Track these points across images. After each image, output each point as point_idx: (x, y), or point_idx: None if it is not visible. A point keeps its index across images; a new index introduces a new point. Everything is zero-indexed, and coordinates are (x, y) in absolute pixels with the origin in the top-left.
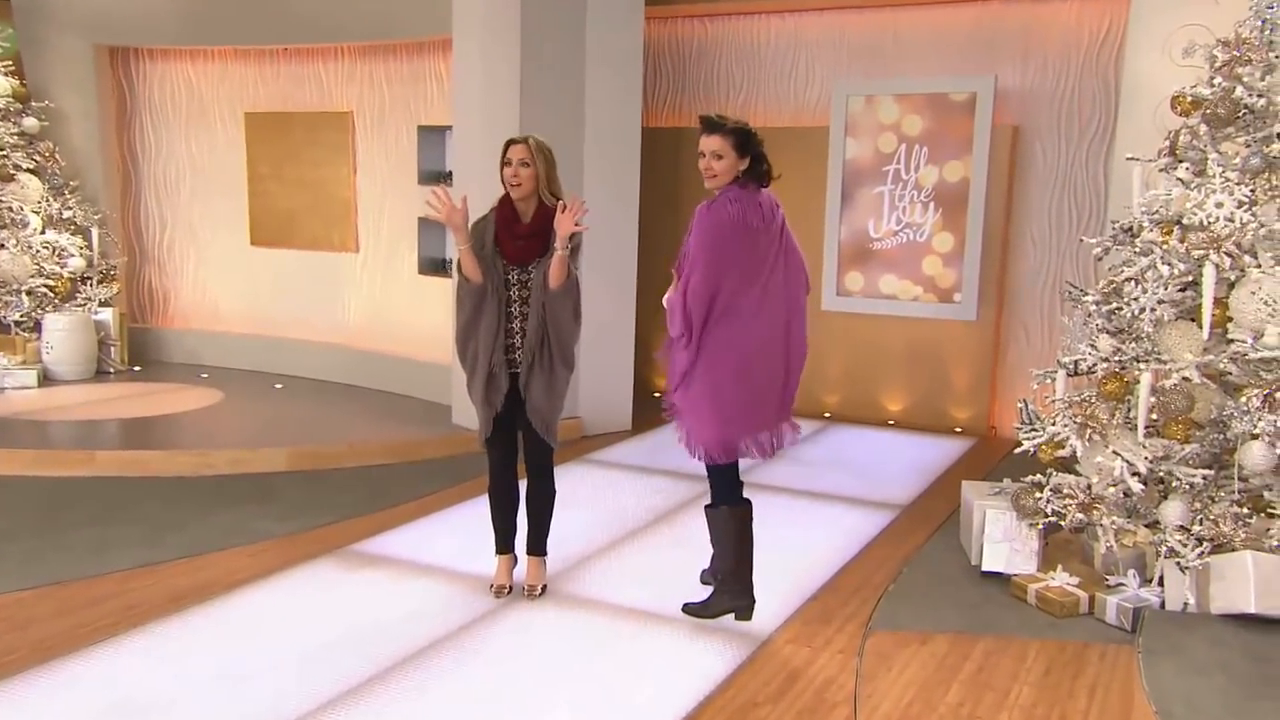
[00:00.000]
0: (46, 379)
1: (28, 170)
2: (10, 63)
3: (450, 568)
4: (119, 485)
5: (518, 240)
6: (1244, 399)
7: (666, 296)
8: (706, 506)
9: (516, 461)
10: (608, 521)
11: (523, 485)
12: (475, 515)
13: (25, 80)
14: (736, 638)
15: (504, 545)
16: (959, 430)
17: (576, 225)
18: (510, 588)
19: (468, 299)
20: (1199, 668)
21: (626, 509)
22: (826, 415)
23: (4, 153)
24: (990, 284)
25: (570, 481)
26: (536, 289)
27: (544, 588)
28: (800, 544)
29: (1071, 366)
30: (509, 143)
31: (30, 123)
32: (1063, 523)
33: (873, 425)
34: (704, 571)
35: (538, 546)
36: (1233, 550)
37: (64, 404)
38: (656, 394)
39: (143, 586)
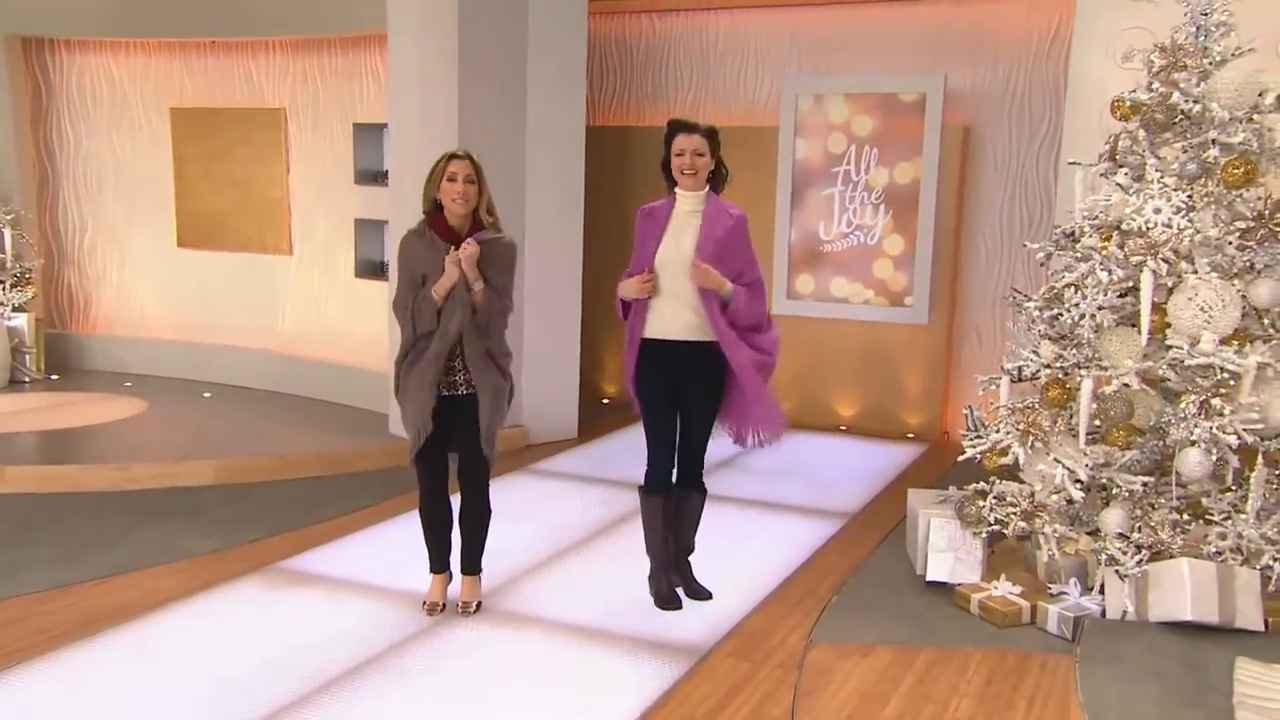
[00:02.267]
0: None
1: None
2: None
3: (383, 585)
4: (33, 502)
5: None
6: (1181, 405)
7: (730, 288)
8: (700, 493)
9: (448, 478)
10: (549, 534)
11: (456, 501)
12: (410, 529)
13: None
14: (677, 653)
15: (438, 564)
16: (911, 436)
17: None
18: (444, 605)
19: (430, 319)
20: (1135, 676)
21: (569, 521)
22: None
23: None
24: (942, 287)
25: (512, 493)
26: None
27: (479, 604)
28: (746, 555)
29: (1015, 373)
30: (449, 157)
31: None
32: (1005, 531)
33: (824, 431)
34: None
35: (472, 565)
36: (1171, 557)
37: None
38: (606, 400)
39: (55, 609)
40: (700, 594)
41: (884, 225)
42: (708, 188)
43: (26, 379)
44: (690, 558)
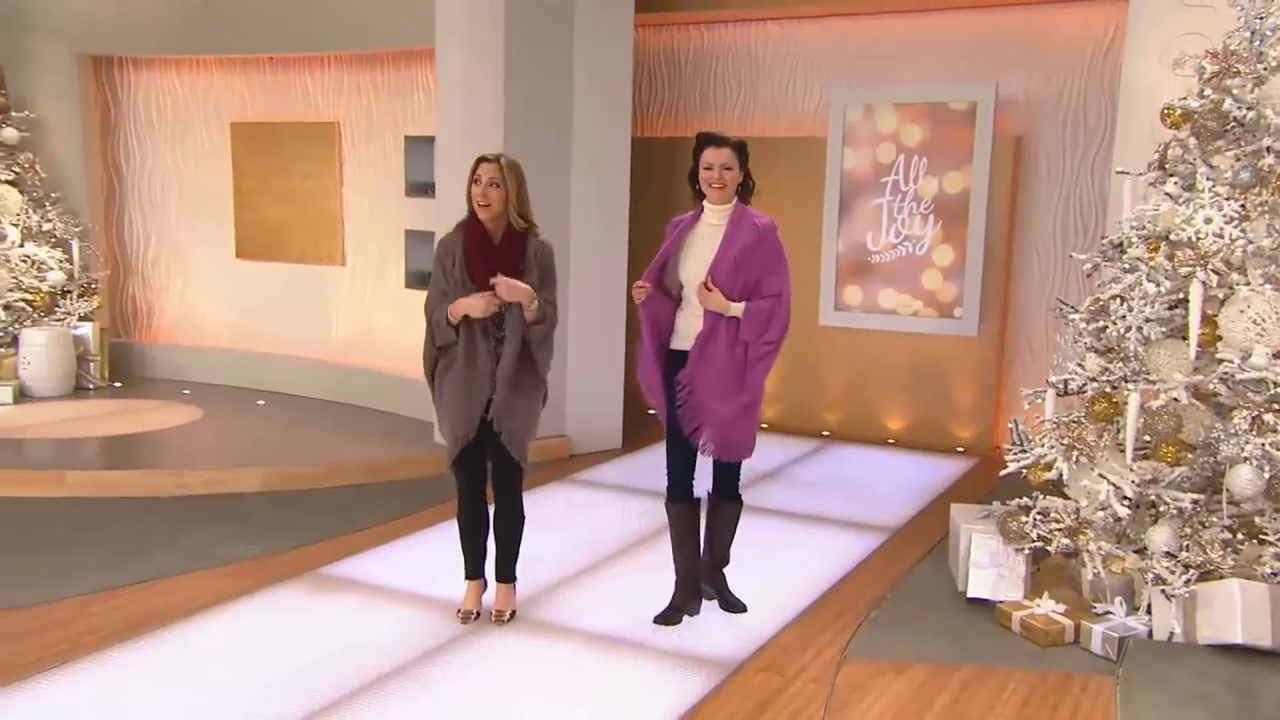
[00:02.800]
0: (23, 395)
1: (6, 182)
2: None
3: (419, 592)
4: (89, 506)
5: (490, 265)
6: (1233, 421)
7: (742, 307)
8: (736, 502)
9: (485, 485)
10: (587, 544)
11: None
12: (448, 537)
13: (5, 90)
14: (708, 665)
15: (473, 571)
16: (961, 450)
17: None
18: (478, 613)
19: (448, 333)
20: (1180, 700)
21: (607, 531)
22: (825, 434)
23: None
24: (993, 298)
25: (553, 502)
26: (510, 317)
27: (513, 613)
28: (786, 568)
29: (1061, 386)
30: (479, 161)
31: (9, 133)
32: (1049, 548)
33: (873, 444)
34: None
35: (506, 573)
36: (1220, 578)
37: (40, 421)
38: (651, 410)
39: (101, 611)
40: (735, 606)
41: (933, 235)
42: (735, 200)
43: (91, 386)
44: (726, 570)
